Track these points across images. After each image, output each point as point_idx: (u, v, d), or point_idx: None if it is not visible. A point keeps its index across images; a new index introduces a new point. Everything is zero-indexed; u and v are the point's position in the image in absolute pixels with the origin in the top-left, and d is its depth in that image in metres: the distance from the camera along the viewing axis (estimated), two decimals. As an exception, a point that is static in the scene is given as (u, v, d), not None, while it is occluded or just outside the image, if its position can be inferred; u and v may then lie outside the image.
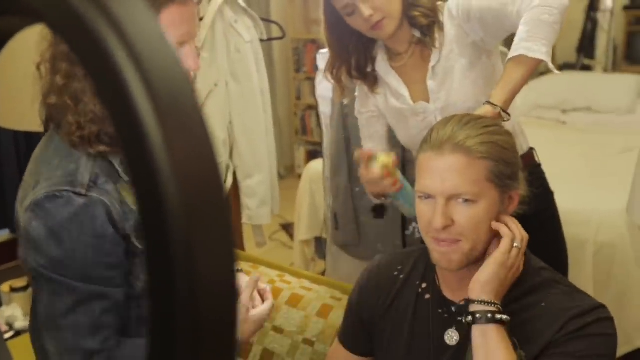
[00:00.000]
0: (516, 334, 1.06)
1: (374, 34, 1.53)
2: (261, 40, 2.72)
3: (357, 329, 1.32)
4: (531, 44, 1.31)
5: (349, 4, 1.45)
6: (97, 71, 0.23)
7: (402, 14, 1.51)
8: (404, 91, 1.60)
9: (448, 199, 1.07)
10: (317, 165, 3.15)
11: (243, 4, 2.63)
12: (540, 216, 1.54)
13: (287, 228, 4.11)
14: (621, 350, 2.31)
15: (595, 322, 1.07)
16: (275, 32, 3.34)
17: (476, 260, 1.11)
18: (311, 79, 5.05)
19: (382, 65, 1.63)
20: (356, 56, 1.61)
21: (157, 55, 0.25)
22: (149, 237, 0.23)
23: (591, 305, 1.09)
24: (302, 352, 1.72)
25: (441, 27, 1.54)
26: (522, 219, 1.24)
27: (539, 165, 1.70)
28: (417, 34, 1.55)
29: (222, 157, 2.68)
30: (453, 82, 1.54)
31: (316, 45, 5.39)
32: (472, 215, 1.07)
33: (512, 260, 1.08)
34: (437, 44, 1.54)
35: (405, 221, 2.25)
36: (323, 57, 2.50)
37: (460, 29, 1.53)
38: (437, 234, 1.09)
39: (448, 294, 1.20)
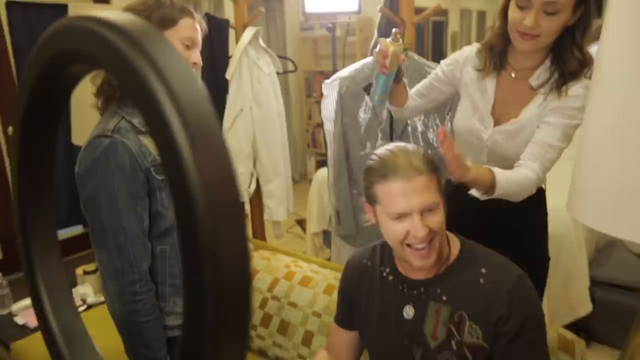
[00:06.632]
0: (457, 294, 1.03)
1: (515, 36, 1.26)
2: (278, 73, 2.74)
3: (344, 309, 1.30)
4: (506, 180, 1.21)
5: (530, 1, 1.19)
6: (145, 108, 0.26)
7: (552, 47, 1.27)
8: (486, 104, 1.38)
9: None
10: (323, 172, 3.15)
11: (263, 45, 2.65)
12: (531, 230, 1.47)
13: (301, 223, 4.11)
14: (566, 319, 2.29)
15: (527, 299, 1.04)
16: (291, 66, 3.36)
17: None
18: (319, 102, 5.05)
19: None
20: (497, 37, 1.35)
21: (189, 92, 0.27)
22: (182, 229, 0.25)
23: (518, 274, 1.06)
24: (311, 322, 1.73)
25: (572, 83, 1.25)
26: (517, 232, 1.20)
27: (544, 190, 1.48)
28: (554, 73, 1.27)
29: (248, 166, 2.71)
30: (516, 140, 1.34)
31: (323, 75, 5.42)
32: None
33: None
34: (544, 90, 1.28)
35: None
36: (327, 86, 2.52)
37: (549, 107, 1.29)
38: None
39: (407, 274, 1.17)
